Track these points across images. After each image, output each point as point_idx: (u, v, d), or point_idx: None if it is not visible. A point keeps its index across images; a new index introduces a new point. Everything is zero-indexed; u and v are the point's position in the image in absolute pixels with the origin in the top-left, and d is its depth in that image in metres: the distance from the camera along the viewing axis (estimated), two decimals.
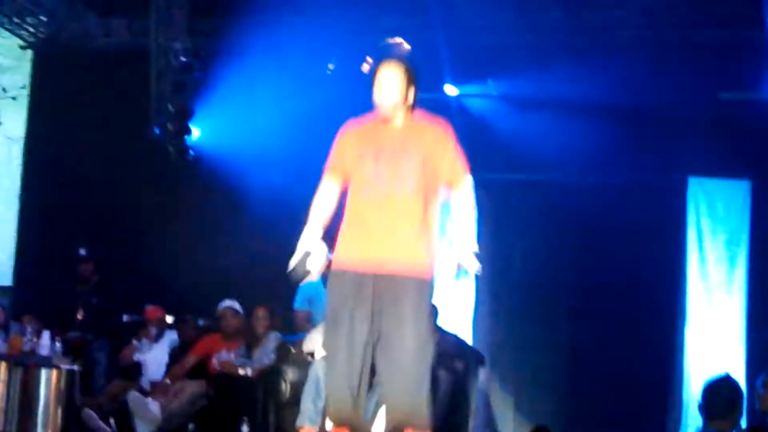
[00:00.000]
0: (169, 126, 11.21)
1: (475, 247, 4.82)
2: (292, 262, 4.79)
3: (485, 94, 11.05)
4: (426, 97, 5.30)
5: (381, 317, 4.76)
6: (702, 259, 10.52)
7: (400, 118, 4.95)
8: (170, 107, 11.15)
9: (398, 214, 4.84)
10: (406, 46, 4.94)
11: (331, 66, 10.90)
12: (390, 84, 4.87)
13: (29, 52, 11.93)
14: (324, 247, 4.87)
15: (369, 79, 5.04)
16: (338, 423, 4.93)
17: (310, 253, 4.83)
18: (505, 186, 10.63)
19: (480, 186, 8.39)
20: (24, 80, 11.96)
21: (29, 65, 11.99)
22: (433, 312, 5.27)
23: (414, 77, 4.85)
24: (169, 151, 11.23)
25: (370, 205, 4.89)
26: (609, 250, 10.28)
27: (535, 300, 10.73)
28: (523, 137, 10.57)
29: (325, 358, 5.21)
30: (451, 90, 10.97)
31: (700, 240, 10.53)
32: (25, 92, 11.95)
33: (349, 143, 5.06)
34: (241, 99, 11.01)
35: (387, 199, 4.85)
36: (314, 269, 4.84)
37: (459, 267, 4.78)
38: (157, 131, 11.27)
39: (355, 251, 4.87)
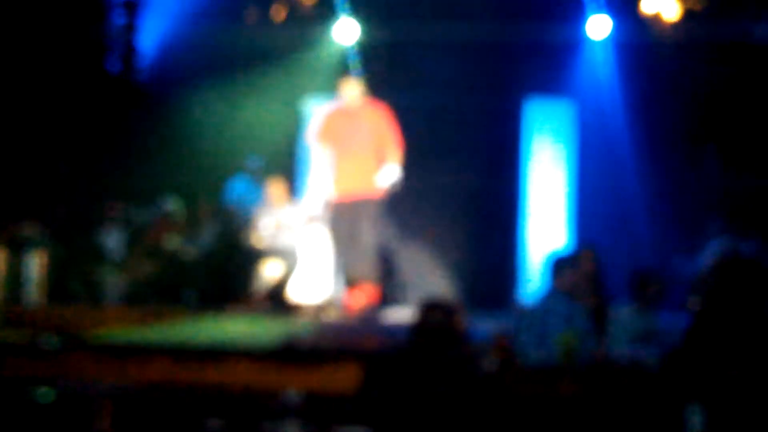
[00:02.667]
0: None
1: (398, 171, 7.80)
2: (308, 200, 7.93)
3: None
4: None
5: (354, 221, 7.82)
6: (536, 159, 11.17)
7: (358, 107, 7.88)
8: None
9: (363, 164, 7.78)
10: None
11: None
12: (353, 94, 7.86)
13: None
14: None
15: None
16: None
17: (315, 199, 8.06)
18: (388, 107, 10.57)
19: None
20: None
21: None
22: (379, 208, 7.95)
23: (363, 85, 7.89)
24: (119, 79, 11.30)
25: (348, 159, 7.80)
26: (467, 153, 10.92)
27: (410, 195, 10.12)
28: (401, 68, 10.95)
29: (332, 246, 8.07)
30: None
31: (534, 143, 11.18)
32: None
33: (333, 122, 7.93)
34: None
35: (357, 156, 7.79)
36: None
37: (387, 178, 7.79)
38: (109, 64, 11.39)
39: (342, 186, 7.82)
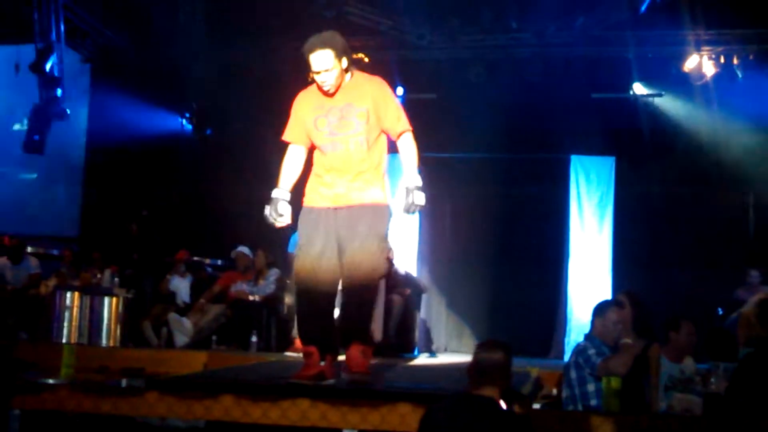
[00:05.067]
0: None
1: (419, 182, 4.86)
2: (266, 211, 4.98)
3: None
4: None
5: (342, 240, 4.86)
6: (581, 213, 11.07)
7: (340, 84, 4.94)
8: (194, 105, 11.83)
9: (352, 162, 4.94)
10: (327, 34, 4.84)
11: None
12: (322, 66, 4.82)
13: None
14: (288, 197, 5.01)
15: None
16: (306, 342, 4.93)
17: (278, 200, 4.98)
18: (440, 161, 11.05)
19: (422, 162, 9.69)
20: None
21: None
22: (386, 234, 4.95)
23: (342, 51, 4.83)
24: (193, 136, 11.77)
25: (329, 158, 4.97)
26: (514, 207, 11.09)
27: (459, 247, 11.31)
28: (453, 126, 11.25)
29: (295, 283, 4.96)
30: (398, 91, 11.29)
31: (579, 201, 11.08)
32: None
33: (303, 110, 5.05)
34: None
35: (342, 151, 4.94)
36: (285, 215, 4.97)
37: (409, 202, 4.81)
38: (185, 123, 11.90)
39: (320, 194, 4.99)
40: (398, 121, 5.02)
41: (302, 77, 5.23)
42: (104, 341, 9.17)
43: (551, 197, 11.20)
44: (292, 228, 5.09)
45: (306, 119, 5.05)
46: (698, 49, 10.77)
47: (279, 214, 4.98)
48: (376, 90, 5.01)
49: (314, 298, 4.86)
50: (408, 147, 5.01)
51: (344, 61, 4.90)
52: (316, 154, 5.12)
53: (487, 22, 10.99)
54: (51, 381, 5.36)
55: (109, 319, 9.26)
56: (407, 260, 10.74)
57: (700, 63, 10.78)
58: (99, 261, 10.42)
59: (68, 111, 11.25)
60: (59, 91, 11.01)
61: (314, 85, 4.99)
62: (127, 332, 9.43)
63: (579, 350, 5.59)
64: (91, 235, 11.77)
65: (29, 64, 10.90)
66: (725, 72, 10.75)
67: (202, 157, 11.92)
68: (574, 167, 11.19)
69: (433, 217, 11.23)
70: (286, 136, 5.14)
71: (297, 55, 5.02)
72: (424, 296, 10.26)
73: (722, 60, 10.78)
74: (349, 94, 4.98)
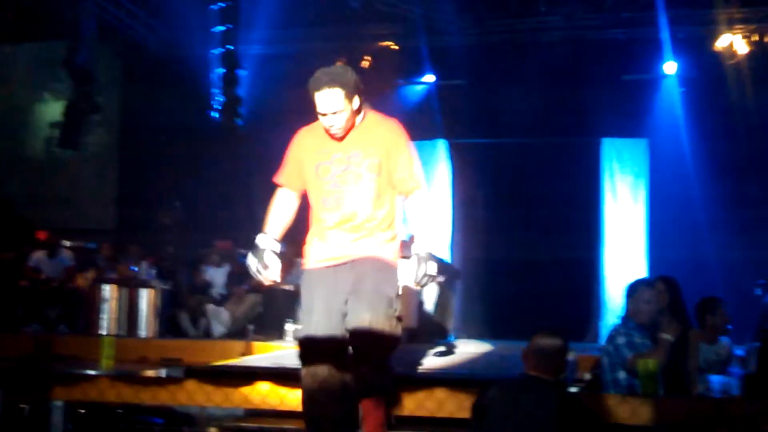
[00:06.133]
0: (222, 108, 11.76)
1: (430, 250, 4.18)
2: (249, 261, 4.29)
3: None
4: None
5: (346, 298, 4.14)
6: (614, 196, 11.03)
7: (351, 127, 4.23)
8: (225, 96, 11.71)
9: (359, 221, 4.20)
10: (336, 69, 4.18)
11: None
12: (330, 108, 4.12)
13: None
14: (277, 248, 4.29)
15: None
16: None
17: (263, 249, 4.24)
18: (471, 147, 11.29)
19: (453, 148, 9.47)
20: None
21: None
22: (394, 299, 4.15)
23: (355, 89, 4.14)
24: (223, 127, 11.70)
25: (332, 213, 4.21)
26: (547, 191, 10.70)
27: (492, 232, 11.12)
28: (484, 111, 11.25)
29: (299, 359, 4.16)
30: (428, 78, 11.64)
31: (612, 184, 11.06)
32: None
33: (303, 152, 4.31)
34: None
35: (347, 208, 4.19)
36: (272, 269, 4.25)
37: (420, 273, 4.07)
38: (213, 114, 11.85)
39: (320, 254, 4.26)
40: (410, 177, 4.25)
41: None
42: (143, 333, 9.30)
43: (584, 181, 11.11)
44: None
45: (306, 164, 4.31)
46: (730, 28, 10.65)
47: (264, 266, 4.25)
48: (390, 137, 4.26)
49: (321, 382, 4.06)
50: (418, 208, 4.26)
51: (356, 101, 4.19)
52: (315, 206, 4.33)
53: (515, 6, 10.99)
54: (92, 372, 5.46)
55: (147, 311, 9.39)
56: (441, 247, 10.74)
57: (732, 42, 10.66)
58: (136, 253, 10.52)
59: (101, 105, 11.30)
60: (91, 86, 11.10)
61: (319, 122, 4.26)
62: (165, 323, 9.53)
63: (611, 336, 5.55)
64: (127, 228, 11.86)
65: (61, 60, 11.00)
66: (758, 51, 10.61)
67: (234, 148, 11.89)
68: (606, 150, 11.15)
69: (465, 203, 11.31)
70: (280, 179, 4.40)
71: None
72: (458, 282, 10.23)
73: (755, 38, 10.63)
74: (359, 139, 4.24)
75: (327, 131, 4.23)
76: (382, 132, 4.26)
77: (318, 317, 4.12)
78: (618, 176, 11.11)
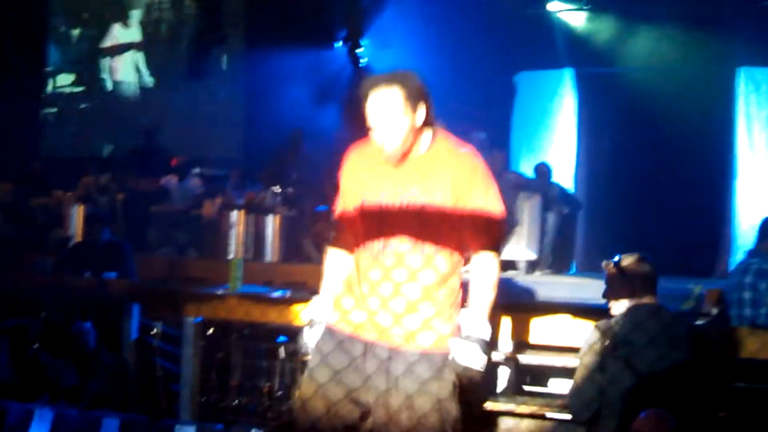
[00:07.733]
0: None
1: (487, 334, 3.20)
2: (304, 338, 3.46)
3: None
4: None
5: (372, 395, 3.22)
6: (749, 129, 10.58)
7: (409, 149, 3.27)
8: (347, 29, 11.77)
9: (406, 276, 3.22)
10: (399, 71, 3.25)
11: None
12: (383, 110, 3.19)
13: None
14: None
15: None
16: None
17: (314, 323, 3.45)
18: (596, 77, 11.04)
19: (579, 78, 9.22)
20: None
21: None
22: (449, 397, 3.21)
23: (419, 95, 3.21)
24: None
25: (375, 263, 3.26)
26: (677, 122, 10.29)
27: (620, 160, 10.95)
28: (610, 41, 11.00)
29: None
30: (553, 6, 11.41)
31: (747, 117, 10.59)
32: None
33: (352, 184, 3.39)
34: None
35: (395, 262, 3.23)
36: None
37: (462, 364, 3.16)
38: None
39: (351, 313, 3.31)
40: (485, 230, 3.25)
41: None
42: (268, 257, 9.41)
43: (717, 113, 10.59)
44: None
45: (352, 193, 3.38)
46: None
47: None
48: (464, 173, 3.22)
49: None
50: (485, 273, 3.24)
51: (420, 113, 3.21)
52: (356, 250, 3.39)
53: None
54: (221, 292, 5.61)
55: (273, 236, 9.50)
56: (564, 177, 10.63)
57: None
58: (263, 180, 10.68)
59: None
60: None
61: (371, 140, 3.29)
62: (290, 249, 9.60)
63: (738, 270, 5.49)
64: (254, 156, 11.96)
65: None
66: None
67: (356, 80, 11.73)
68: (743, 80, 10.64)
69: (591, 133, 11.13)
70: (338, 214, 3.50)
71: None
72: (581, 213, 10.15)
73: None
74: (421, 170, 3.24)
75: (379, 153, 3.27)
76: (454, 164, 3.23)
77: (333, 391, 3.28)
78: (753, 107, 10.61)
